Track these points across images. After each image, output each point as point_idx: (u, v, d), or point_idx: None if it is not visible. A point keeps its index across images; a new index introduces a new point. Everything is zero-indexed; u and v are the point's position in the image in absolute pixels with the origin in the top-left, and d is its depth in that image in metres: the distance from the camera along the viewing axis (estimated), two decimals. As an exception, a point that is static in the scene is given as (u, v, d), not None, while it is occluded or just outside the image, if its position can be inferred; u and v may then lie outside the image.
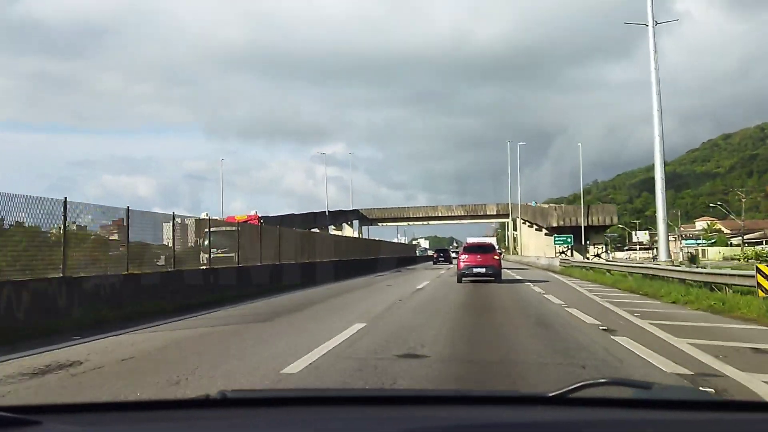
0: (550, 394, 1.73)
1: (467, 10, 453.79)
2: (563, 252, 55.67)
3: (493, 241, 57.40)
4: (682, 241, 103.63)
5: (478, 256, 23.44)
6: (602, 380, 1.84)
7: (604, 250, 57.07)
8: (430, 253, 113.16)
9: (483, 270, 22.88)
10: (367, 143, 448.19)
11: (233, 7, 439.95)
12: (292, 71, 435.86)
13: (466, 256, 23.81)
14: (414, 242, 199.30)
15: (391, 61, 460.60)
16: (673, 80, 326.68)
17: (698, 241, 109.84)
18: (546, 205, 59.60)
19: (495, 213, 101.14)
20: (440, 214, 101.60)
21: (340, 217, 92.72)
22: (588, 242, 54.44)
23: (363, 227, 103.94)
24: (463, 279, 23.57)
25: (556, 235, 52.17)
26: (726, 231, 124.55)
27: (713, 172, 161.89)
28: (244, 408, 1.81)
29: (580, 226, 53.15)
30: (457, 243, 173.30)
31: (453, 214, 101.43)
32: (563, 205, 55.33)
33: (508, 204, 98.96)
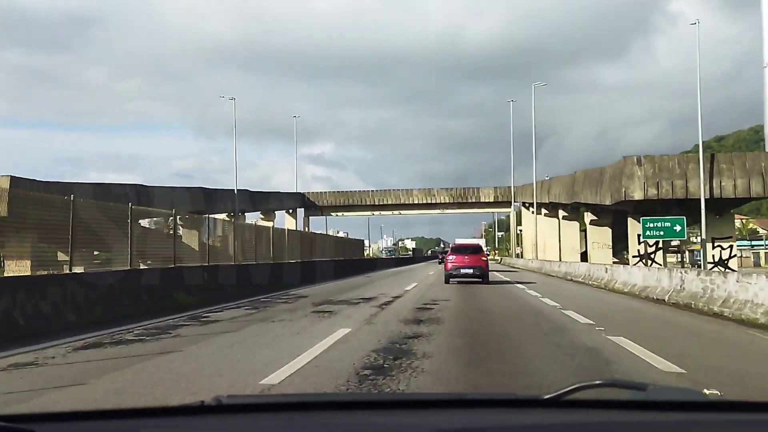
0: (546, 397, 1.70)
1: (460, 8, 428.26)
2: (649, 256, 26.31)
3: (481, 242, 57.25)
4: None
5: (466, 257, 21.74)
6: (597, 382, 1.80)
7: (731, 252, 27.29)
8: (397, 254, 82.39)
9: (470, 271, 21.31)
10: (358, 143, 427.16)
11: (222, 2, 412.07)
12: (282, 68, 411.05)
13: (454, 257, 22.03)
14: (401, 243, 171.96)
15: (382, 60, 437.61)
16: (664, 83, 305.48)
17: (759, 243, 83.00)
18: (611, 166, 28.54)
19: (492, 200, 72.01)
20: (417, 201, 72.26)
21: (271, 201, 63.04)
22: (693, 230, 24.75)
23: (311, 218, 74.61)
24: (451, 280, 21.72)
25: (647, 218, 22.38)
26: (762, 230, 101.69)
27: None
28: (239, 414, 1.76)
29: (694, 200, 24.10)
30: (444, 244, 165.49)
31: (435, 201, 72.15)
32: (655, 155, 25.21)
33: (510, 187, 69.87)
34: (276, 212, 67.55)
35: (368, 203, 71.68)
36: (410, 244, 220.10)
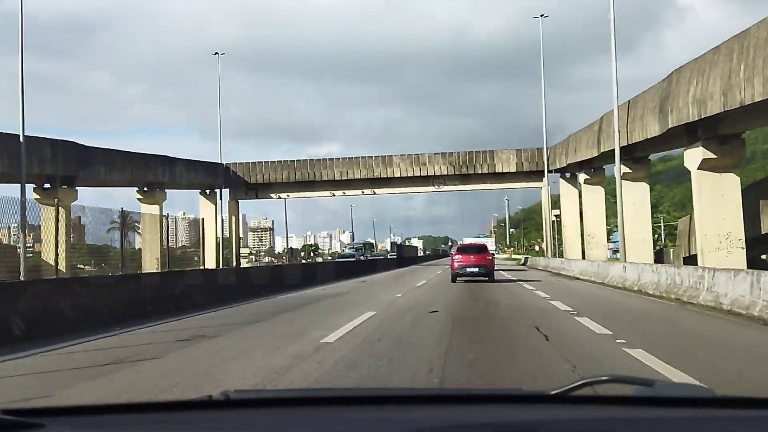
0: (552, 392, 1.65)
1: (466, 6, 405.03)
2: None
3: (491, 241, 59.45)
4: None
5: (472, 257, 21.80)
6: (604, 377, 1.73)
7: None
8: (344, 254, 52.73)
9: (476, 270, 21.25)
10: (364, 143, 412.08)
11: (226, 3, 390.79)
12: (286, 69, 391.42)
13: (460, 256, 22.00)
14: (407, 242, 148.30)
15: (388, 59, 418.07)
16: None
17: None
18: None
19: (514, 170, 45.99)
20: (401, 174, 46.41)
21: (159, 168, 37.43)
22: None
23: (243, 202, 49.02)
24: (458, 279, 21.46)
25: None
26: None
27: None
28: (247, 409, 1.72)
29: None
30: (452, 242, 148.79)
31: (427, 173, 46.33)
32: None
33: (541, 150, 44.01)
34: (186, 193, 42.38)
35: (326, 179, 45.91)
36: (417, 243, 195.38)
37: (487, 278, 21.23)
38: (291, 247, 66.84)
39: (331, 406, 1.75)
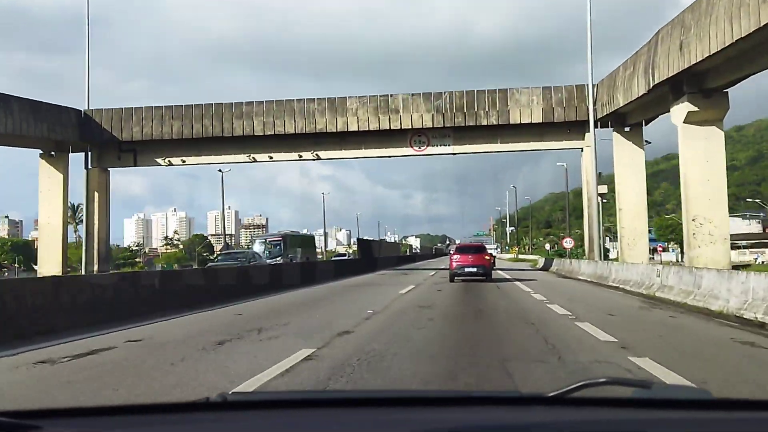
0: (550, 394, 1.64)
1: (468, 3, 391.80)
2: None
3: (490, 239, 59.57)
4: None
5: (470, 257, 21.77)
6: (602, 380, 1.73)
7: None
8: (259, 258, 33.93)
9: (474, 270, 21.29)
10: None
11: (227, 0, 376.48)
12: (289, 67, 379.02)
13: (459, 256, 21.97)
14: (404, 241, 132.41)
15: (389, 57, 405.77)
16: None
17: None
18: None
19: (539, 120, 28.82)
20: (356, 127, 29.15)
21: None
22: None
23: (117, 171, 31.77)
24: (456, 278, 21.53)
25: None
26: None
27: (729, 164, 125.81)
28: (244, 411, 1.71)
29: None
30: (449, 240, 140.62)
31: (397, 126, 29.27)
32: None
33: (583, 87, 26.88)
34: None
35: (241, 133, 28.62)
36: (414, 242, 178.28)
37: (484, 278, 21.08)
38: (227, 243, 49.37)
39: (328, 408, 1.72)
